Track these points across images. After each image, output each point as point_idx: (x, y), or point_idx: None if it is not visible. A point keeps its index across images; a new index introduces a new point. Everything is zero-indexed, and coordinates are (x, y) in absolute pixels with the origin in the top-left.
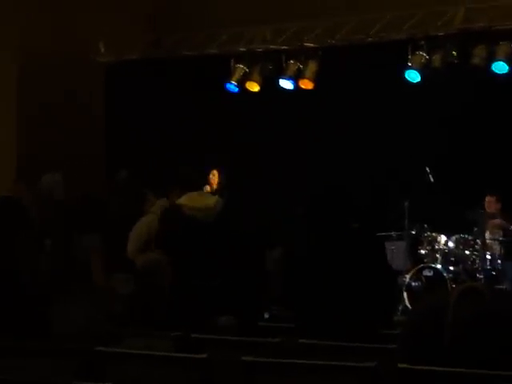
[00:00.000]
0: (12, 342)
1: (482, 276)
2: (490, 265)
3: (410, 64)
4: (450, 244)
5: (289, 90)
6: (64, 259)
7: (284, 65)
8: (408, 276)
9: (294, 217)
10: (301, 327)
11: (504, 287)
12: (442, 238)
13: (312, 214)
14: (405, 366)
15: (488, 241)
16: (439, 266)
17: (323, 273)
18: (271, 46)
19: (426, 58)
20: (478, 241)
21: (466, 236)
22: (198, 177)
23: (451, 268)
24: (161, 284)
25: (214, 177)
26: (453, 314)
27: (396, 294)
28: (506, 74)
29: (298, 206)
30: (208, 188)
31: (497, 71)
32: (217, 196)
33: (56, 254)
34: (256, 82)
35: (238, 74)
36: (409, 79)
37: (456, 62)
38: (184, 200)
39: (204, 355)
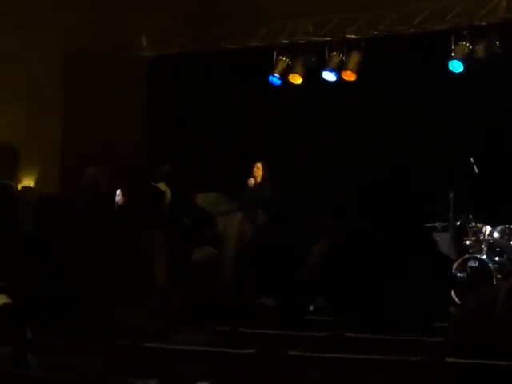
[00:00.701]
0: (60, 340)
1: None
2: None
3: (453, 54)
4: (495, 234)
5: (332, 81)
6: (126, 257)
7: (327, 57)
8: (453, 267)
9: (338, 209)
10: (351, 321)
11: None
12: (487, 229)
13: (360, 206)
14: (453, 359)
15: None
16: (484, 257)
17: (373, 266)
18: (314, 38)
19: (469, 48)
20: None
21: (511, 226)
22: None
23: (496, 258)
24: (217, 278)
25: (258, 170)
26: (501, 308)
27: (451, 284)
28: None
29: (340, 201)
30: (252, 181)
31: None
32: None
33: (116, 251)
34: (299, 74)
35: (280, 67)
36: (452, 69)
37: (499, 51)
38: None
39: (252, 350)
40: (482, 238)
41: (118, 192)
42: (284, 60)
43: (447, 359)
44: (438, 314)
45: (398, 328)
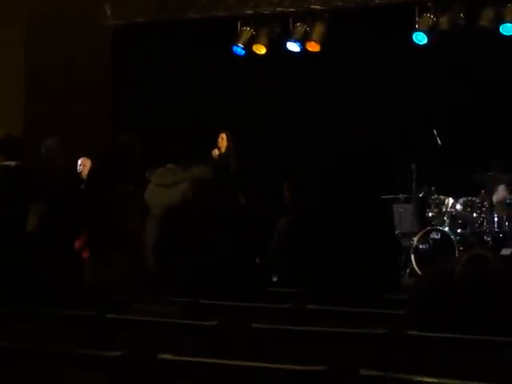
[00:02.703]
0: (22, 309)
1: (489, 238)
2: (498, 227)
3: (417, 26)
4: (458, 207)
5: (296, 52)
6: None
7: (291, 27)
8: (415, 239)
9: (301, 182)
10: (308, 293)
11: (511, 251)
12: (450, 201)
13: (321, 180)
14: (415, 332)
15: (495, 203)
16: (447, 229)
17: (330, 238)
18: (278, 9)
19: (433, 20)
20: (485, 203)
21: (474, 199)
22: None
23: (459, 231)
24: None
25: (223, 140)
26: (459, 281)
27: (399, 260)
28: None
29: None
30: (216, 152)
31: (505, 33)
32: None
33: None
34: (263, 44)
35: (244, 37)
36: (416, 41)
37: (464, 23)
38: None
39: (215, 322)
40: (444, 210)
41: (81, 161)
42: (248, 30)
43: (410, 332)
44: (388, 287)
45: (349, 299)
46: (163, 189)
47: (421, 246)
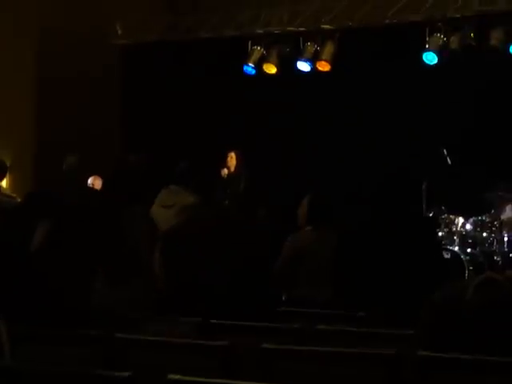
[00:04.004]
0: (30, 329)
1: (499, 258)
2: (508, 247)
3: (427, 46)
4: (468, 226)
5: (306, 71)
6: (108, 240)
7: (301, 47)
8: None
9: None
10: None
11: None
12: (460, 220)
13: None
14: (425, 353)
15: (503, 223)
16: (456, 249)
17: (383, 257)
18: (288, 28)
19: (443, 40)
20: (495, 223)
21: (484, 218)
22: None
23: (468, 250)
24: None
25: (232, 159)
26: (470, 304)
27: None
28: None
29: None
30: (225, 171)
31: None
32: None
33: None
34: (273, 64)
35: (255, 56)
36: (426, 61)
37: (474, 44)
38: None
39: (225, 342)
40: (454, 229)
41: (91, 180)
42: (259, 50)
43: (419, 353)
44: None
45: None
46: (165, 209)
47: None
